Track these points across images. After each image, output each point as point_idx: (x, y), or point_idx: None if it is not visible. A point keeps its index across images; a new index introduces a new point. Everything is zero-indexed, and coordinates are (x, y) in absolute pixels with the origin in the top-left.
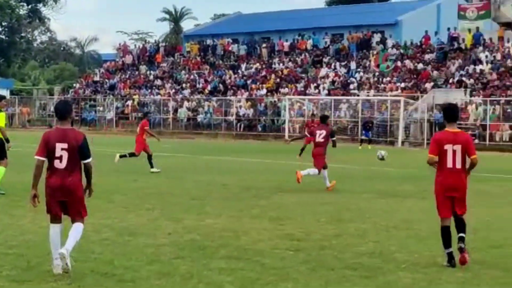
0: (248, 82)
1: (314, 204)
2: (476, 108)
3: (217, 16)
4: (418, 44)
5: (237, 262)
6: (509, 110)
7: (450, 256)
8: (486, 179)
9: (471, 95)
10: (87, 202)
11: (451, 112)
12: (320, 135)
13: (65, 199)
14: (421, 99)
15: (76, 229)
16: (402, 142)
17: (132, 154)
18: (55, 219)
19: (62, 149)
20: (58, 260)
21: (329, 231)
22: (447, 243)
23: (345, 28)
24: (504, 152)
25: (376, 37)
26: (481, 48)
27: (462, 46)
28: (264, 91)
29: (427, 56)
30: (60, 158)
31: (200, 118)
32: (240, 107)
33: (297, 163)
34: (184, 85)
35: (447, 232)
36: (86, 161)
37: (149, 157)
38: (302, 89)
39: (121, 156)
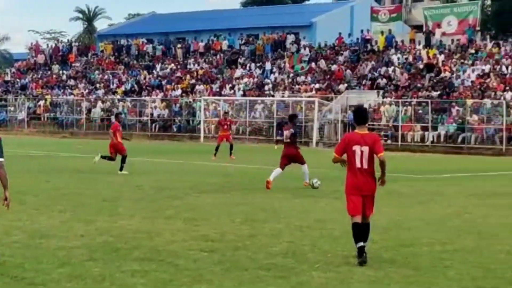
0: (163, 82)
1: (229, 205)
2: (391, 106)
3: (132, 16)
4: (332, 45)
5: (150, 263)
6: (420, 111)
7: (361, 250)
8: (397, 179)
9: (383, 97)
10: None
11: (360, 115)
12: (288, 133)
13: None
14: (335, 100)
15: None
16: (317, 143)
17: (124, 158)
18: None
19: None
20: None
21: (243, 231)
22: (358, 236)
23: (260, 29)
24: (415, 152)
25: (291, 38)
26: (393, 50)
27: (375, 48)
28: (179, 92)
29: (340, 58)
30: None
31: (114, 118)
32: (155, 107)
33: (212, 164)
34: (97, 85)
35: (357, 228)
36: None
37: (123, 159)
38: (218, 89)
39: (107, 158)
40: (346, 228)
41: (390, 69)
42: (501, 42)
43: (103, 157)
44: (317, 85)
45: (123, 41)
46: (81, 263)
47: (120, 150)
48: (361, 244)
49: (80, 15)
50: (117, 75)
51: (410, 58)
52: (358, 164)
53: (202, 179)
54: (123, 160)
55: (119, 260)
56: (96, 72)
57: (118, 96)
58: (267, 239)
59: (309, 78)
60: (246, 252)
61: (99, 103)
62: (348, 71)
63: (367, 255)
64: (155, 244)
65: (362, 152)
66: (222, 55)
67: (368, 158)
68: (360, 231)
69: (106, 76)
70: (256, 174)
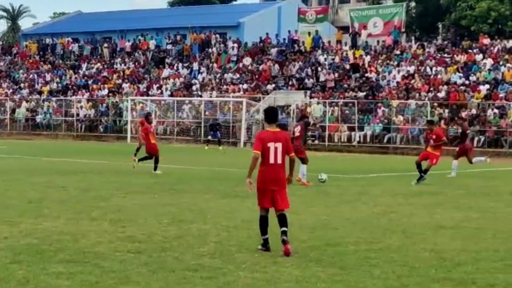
0: (89, 82)
1: (156, 206)
2: (318, 105)
3: (57, 15)
4: (259, 45)
5: (76, 265)
6: (347, 112)
7: (266, 241)
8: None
9: (310, 97)
10: None
11: (271, 114)
12: (296, 130)
13: None
14: (263, 100)
15: None
16: (245, 143)
17: (156, 158)
18: None
19: None
20: None
21: (170, 232)
22: (264, 230)
23: (187, 29)
24: (342, 152)
25: (218, 39)
26: (320, 51)
27: (302, 48)
28: (105, 92)
29: (268, 58)
30: None
31: (39, 118)
32: (81, 107)
33: (138, 164)
34: (22, 84)
35: (265, 221)
36: None
37: (147, 158)
38: (145, 90)
39: (144, 159)
40: (273, 228)
41: (317, 70)
42: (425, 43)
43: (140, 160)
44: (244, 86)
45: (48, 40)
46: (5, 266)
47: (155, 151)
48: (266, 236)
49: (4, 14)
50: (42, 75)
51: (337, 59)
52: (272, 160)
53: (129, 179)
54: (156, 160)
55: (44, 263)
56: (20, 71)
57: (43, 96)
58: (194, 240)
59: (237, 76)
60: (173, 253)
61: (24, 103)
62: (276, 66)
63: (287, 238)
64: (81, 246)
65: (276, 148)
66: (149, 54)
67: (282, 154)
68: (267, 224)
69: (30, 76)
70: (183, 174)
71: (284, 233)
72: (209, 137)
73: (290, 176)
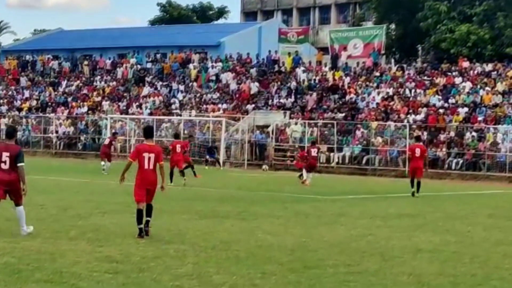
0: (69, 99)
1: (134, 225)
2: (296, 125)
3: (38, 32)
4: (239, 63)
5: (53, 285)
6: (326, 133)
7: (141, 231)
8: (303, 200)
9: (290, 117)
10: None
11: (148, 131)
12: (314, 151)
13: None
14: (242, 120)
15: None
16: (223, 163)
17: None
18: None
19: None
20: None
21: (148, 252)
22: (140, 220)
23: (168, 48)
24: (320, 173)
25: (199, 58)
26: (300, 70)
27: (283, 69)
28: (85, 109)
29: (248, 77)
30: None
31: (18, 135)
32: (60, 124)
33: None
34: (1, 101)
35: (141, 213)
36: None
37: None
38: (125, 108)
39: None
40: (251, 250)
41: (297, 90)
42: (405, 65)
43: (182, 174)
44: (224, 105)
45: (28, 57)
46: None
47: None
48: (142, 226)
49: None
50: (21, 91)
51: (317, 80)
52: (146, 166)
53: (107, 198)
54: (182, 173)
55: (21, 282)
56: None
57: (23, 113)
58: (172, 261)
59: (217, 95)
60: (150, 273)
61: (2, 120)
62: (256, 85)
63: (148, 231)
64: (58, 265)
65: (149, 158)
66: (130, 72)
67: (154, 162)
68: (142, 215)
69: (10, 92)
70: (160, 194)
71: (147, 222)
72: (207, 157)
73: (163, 183)
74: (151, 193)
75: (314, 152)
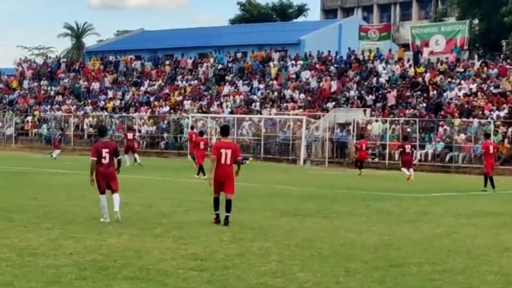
0: (151, 99)
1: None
2: (377, 123)
3: (121, 33)
4: (319, 61)
5: (140, 282)
6: (408, 130)
7: (218, 216)
8: (385, 198)
9: (371, 115)
10: None
11: (224, 130)
12: (408, 147)
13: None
14: (323, 118)
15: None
16: (304, 161)
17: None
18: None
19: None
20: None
21: (232, 250)
22: (216, 207)
23: (248, 47)
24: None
25: (279, 56)
26: (381, 67)
27: (363, 66)
28: (167, 108)
29: (328, 76)
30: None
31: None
32: (143, 124)
33: (198, 181)
34: (85, 101)
35: (217, 201)
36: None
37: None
38: (206, 106)
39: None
40: (335, 248)
41: (378, 85)
42: (488, 61)
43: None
44: (303, 103)
45: (111, 58)
46: (71, 282)
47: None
48: (218, 212)
49: (69, 31)
50: (105, 91)
51: (398, 76)
52: (223, 161)
53: (190, 196)
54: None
55: (109, 279)
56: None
57: (106, 113)
58: (256, 258)
59: (297, 93)
60: (235, 271)
61: (87, 119)
62: (336, 83)
63: (228, 222)
64: (144, 262)
65: (226, 153)
66: (210, 72)
67: (231, 158)
68: (218, 203)
69: (93, 92)
70: (243, 192)
71: (227, 218)
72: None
73: (238, 171)
74: (230, 185)
75: (408, 148)
